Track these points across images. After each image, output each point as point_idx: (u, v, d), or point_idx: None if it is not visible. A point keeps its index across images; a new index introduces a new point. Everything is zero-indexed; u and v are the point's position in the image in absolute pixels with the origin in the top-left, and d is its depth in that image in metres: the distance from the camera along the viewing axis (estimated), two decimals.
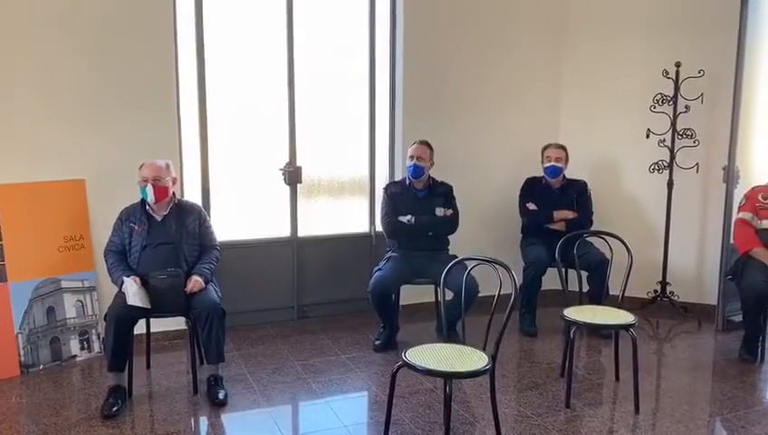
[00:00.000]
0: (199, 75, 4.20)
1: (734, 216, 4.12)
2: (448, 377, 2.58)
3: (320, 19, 4.52)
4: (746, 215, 3.98)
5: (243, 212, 4.49)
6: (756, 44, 4.36)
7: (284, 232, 4.58)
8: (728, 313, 4.45)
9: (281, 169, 4.49)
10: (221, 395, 3.28)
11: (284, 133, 4.47)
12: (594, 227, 4.42)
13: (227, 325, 3.48)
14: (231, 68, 4.31)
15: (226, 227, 4.33)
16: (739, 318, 4.17)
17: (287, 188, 4.52)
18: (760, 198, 3.98)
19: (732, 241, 4.14)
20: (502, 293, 2.81)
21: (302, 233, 4.61)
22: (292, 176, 4.50)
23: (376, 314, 4.08)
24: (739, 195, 4.20)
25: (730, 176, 4.30)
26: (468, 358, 2.70)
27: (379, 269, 4.05)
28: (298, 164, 4.50)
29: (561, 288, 3.69)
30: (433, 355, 2.72)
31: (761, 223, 3.94)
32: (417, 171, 4.12)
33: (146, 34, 3.91)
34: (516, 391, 3.49)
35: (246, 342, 4.21)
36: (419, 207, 4.12)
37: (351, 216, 4.80)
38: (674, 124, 4.58)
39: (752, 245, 3.90)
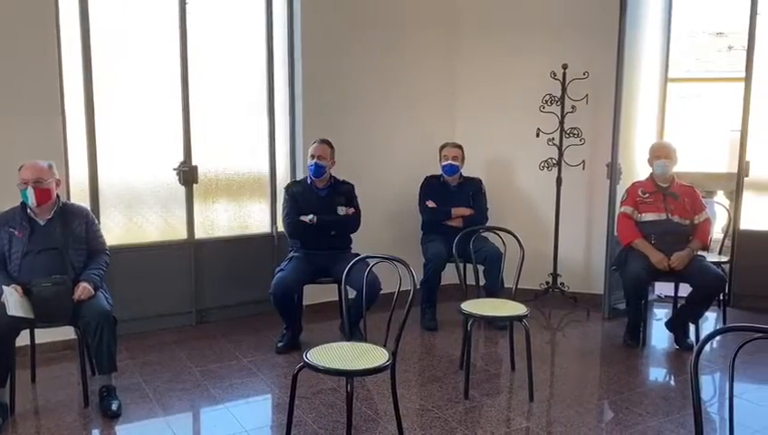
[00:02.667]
0: (85, 71, 3.98)
1: (618, 210, 4.38)
2: (349, 375, 2.59)
3: (215, 12, 4.40)
4: (627, 209, 4.24)
5: (135, 214, 4.30)
6: (636, 48, 4.66)
7: (181, 234, 4.43)
8: (614, 301, 4.73)
9: (175, 169, 4.34)
10: (114, 406, 3.13)
11: (178, 131, 4.32)
12: (489, 223, 4.57)
13: (120, 333, 3.32)
14: (120, 63, 4.11)
15: (117, 230, 4.14)
16: (623, 306, 4.43)
17: (182, 188, 4.38)
18: (639, 192, 4.25)
19: (615, 234, 4.40)
20: (403, 289, 2.84)
21: (199, 235, 4.48)
22: (188, 175, 4.36)
23: (278, 315, 4.03)
24: (622, 190, 4.47)
25: (613, 172, 4.58)
26: (369, 355, 2.72)
27: (281, 270, 4.00)
28: (194, 163, 4.37)
29: (463, 283, 3.80)
30: (334, 354, 2.72)
31: (641, 216, 4.21)
32: (318, 170, 4.11)
33: (26, 26, 3.66)
34: (418, 385, 3.56)
35: (141, 349, 4.04)
36: (321, 206, 4.11)
37: (252, 216, 4.72)
38: (561, 124, 4.81)
39: (633, 237, 4.16)
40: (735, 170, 5.00)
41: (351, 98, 4.78)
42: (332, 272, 3.98)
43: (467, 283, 4.07)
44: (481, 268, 4.34)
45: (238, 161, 4.60)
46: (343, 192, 4.20)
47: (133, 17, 4.14)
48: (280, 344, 4.04)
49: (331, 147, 4.15)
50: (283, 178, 4.70)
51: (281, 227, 4.38)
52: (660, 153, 4.20)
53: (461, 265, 3.88)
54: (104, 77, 4.05)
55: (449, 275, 4.52)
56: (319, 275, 4.06)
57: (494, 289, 4.23)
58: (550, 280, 5.03)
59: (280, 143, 4.73)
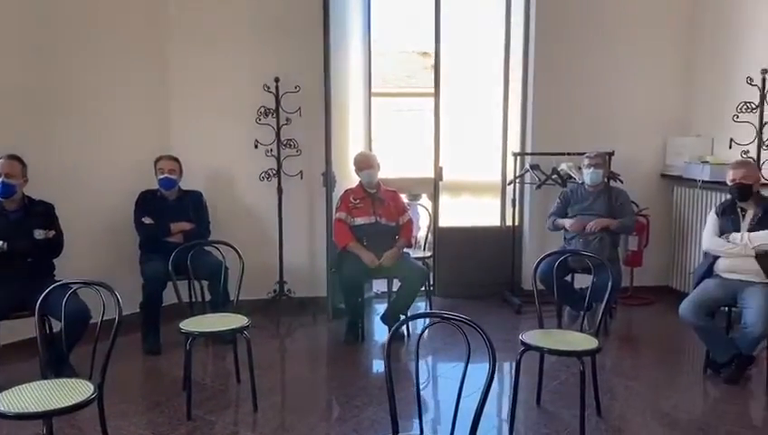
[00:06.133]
0: None
1: (334, 216, 4.64)
2: (46, 417, 2.34)
3: None
4: (342, 215, 4.53)
5: None
6: (342, 64, 4.99)
7: None
8: (336, 302, 4.97)
9: None
10: None
11: None
12: (214, 236, 4.50)
13: None
14: None
15: None
16: (344, 305, 4.69)
17: None
18: (351, 199, 4.57)
19: (333, 238, 4.66)
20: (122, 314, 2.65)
21: None
22: None
23: None
24: (337, 197, 4.74)
25: (328, 181, 4.83)
26: (72, 391, 2.49)
27: None
28: None
29: (189, 300, 3.68)
30: (30, 396, 2.45)
31: (354, 220, 4.53)
32: (6, 190, 3.63)
33: None
34: (137, 414, 3.35)
35: None
36: (13, 230, 3.64)
37: None
38: (278, 135, 4.95)
39: (347, 240, 4.46)
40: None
41: (44, 109, 4.28)
42: (30, 303, 3.53)
43: (194, 299, 3.97)
44: (206, 283, 4.27)
45: None
46: (40, 213, 3.78)
47: None
48: None
49: (22, 163, 3.71)
50: None
51: None
52: (363, 164, 4.57)
53: (186, 282, 3.76)
54: None
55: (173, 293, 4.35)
56: (13, 309, 3.57)
57: (219, 303, 4.17)
58: (277, 288, 5.13)
59: None
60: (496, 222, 5.72)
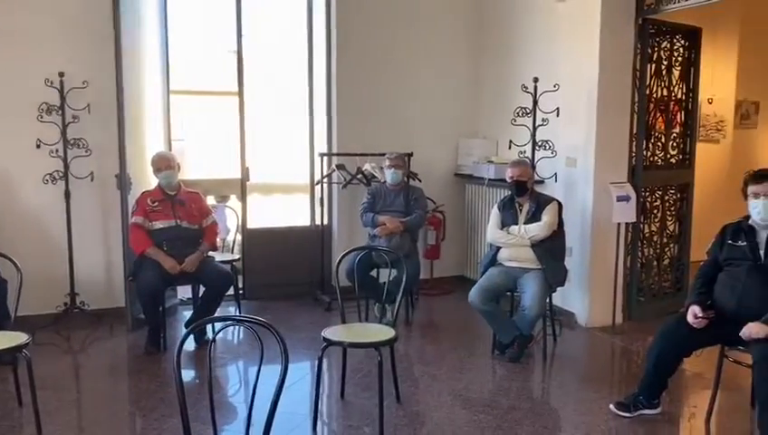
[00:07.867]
0: None
1: (130, 220, 4.37)
2: None
3: None
4: (138, 219, 4.27)
5: None
6: (137, 61, 4.71)
7: None
8: (136, 312, 4.67)
9: None
10: None
11: None
12: None
13: None
14: None
15: None
16: (144, 315, 4.44)
17: None
18: (149, 202, 4.33)
19: (130, 244, 4.39)
20: None
21: None
22: None
23: None
24: (134, 200, 4.47)
25: (123, 183, 4.53)
26: None
27: None
28: None
29: None
30: None
31: (152, 224, 4.30)
32: None
33: None
34: None
35: None
36: None
37: None
38: (64, 134, 4.56)
39: (145, 246, 4.22)
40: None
41: None
42: None
43: None
44: None
45: None
46: None
47: None
48: None
49: None
50: None
51: None
52: (162, 165, 4.37)
53: None
54: None
55: None
56: None
57: None
58: (68, 300, 4.72)
59: None
60: (306, 222, 5.78)
